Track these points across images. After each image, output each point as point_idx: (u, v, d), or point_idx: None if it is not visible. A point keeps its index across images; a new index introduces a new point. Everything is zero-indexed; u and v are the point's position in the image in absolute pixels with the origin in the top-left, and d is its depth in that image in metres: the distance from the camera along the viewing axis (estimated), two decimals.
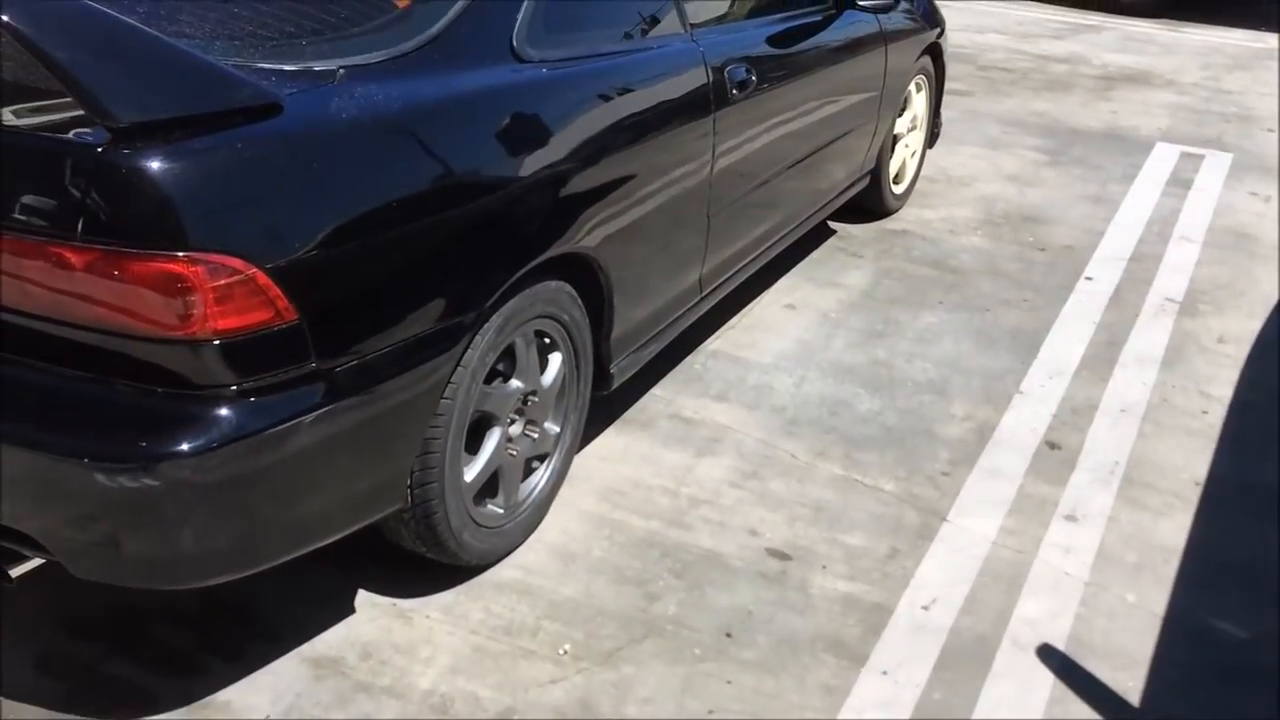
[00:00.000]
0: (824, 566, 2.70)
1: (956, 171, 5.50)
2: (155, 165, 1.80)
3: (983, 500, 2.98)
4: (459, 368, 2.29)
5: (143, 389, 1.91)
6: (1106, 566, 2.75)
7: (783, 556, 2.72)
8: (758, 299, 4.03)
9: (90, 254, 1.83)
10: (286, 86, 2.05)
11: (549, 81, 2.53)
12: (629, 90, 2.76)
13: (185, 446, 1.87)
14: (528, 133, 2.43)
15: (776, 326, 3.86)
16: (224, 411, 1.90)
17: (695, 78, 2.97)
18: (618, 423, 3.23)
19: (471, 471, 2.46)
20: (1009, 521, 2.90)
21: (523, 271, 2.39)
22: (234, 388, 1.91)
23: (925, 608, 2.58)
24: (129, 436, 1.89)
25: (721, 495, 2.94)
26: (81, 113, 1.82)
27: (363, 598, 2.51)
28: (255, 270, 1.87)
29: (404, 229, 2.11)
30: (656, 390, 3.41)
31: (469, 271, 2.27)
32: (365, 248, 2.05)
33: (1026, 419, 3.38)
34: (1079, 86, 7.23)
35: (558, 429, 2.75)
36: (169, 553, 1.97)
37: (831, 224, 4.67)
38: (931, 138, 5.09)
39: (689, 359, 3.59)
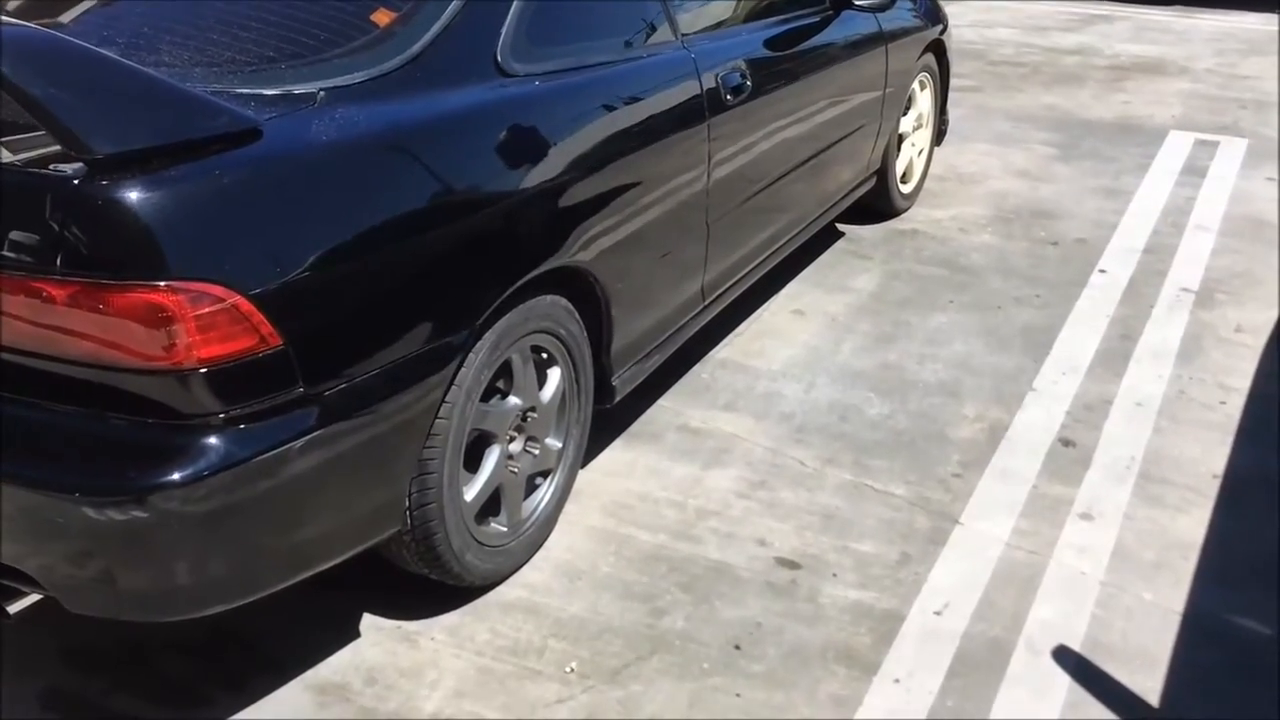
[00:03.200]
0: (834, 575, 2.66)
1: (966, 169, 5.45)
2: (132, 195, 1.79)
3: (995, 502, 2.94)
4: (453, 387, 2.27)
5: (131, 421, 1.89)
6: (1123, 565, 2.69)
7: (792, 566, 2.69)
8: (765, 305, 4.00)
9: (71, 287, 1.82)
10: (265, 111, 2.04)
11: (535, 96, 2.51)
12: (619, 101, 2.74)
13: (175, 477, 1.85)
14: (515, 149, 2.41)
15: (785, 333, 3.82)
16: (213, 440, 1.88)
17: (688, 86, 2.95)
18: (624, 436, 3.20)
19: (472, 491, 2.44)
20: (1022, 523, 2.85)
21: (514, 288, 2.37)
22: (222, 416, 1.89)
23: (938, 613, 2.54)
24: (117, 469, 1.88)
25: (729, 506, 2.91)
26: (58, 147, 1.82)
27: (367, 621, 2.49)
28: (238, 297, 1.86)
29: (389, 250, 2.10)
30: (664, 401, 3.38)
31: (458, 290, 2.25)
32: (350, 271, 2.04)
33: (1039, 418, 3.33)
34: (1091, 78, 7.16)
35: (559, 444, 2.72)
36: (163, 585, 1.95)
37: (840, 226, 4.63)
38: (938, 135, 5.05)
39: (696, 369, 3.56)
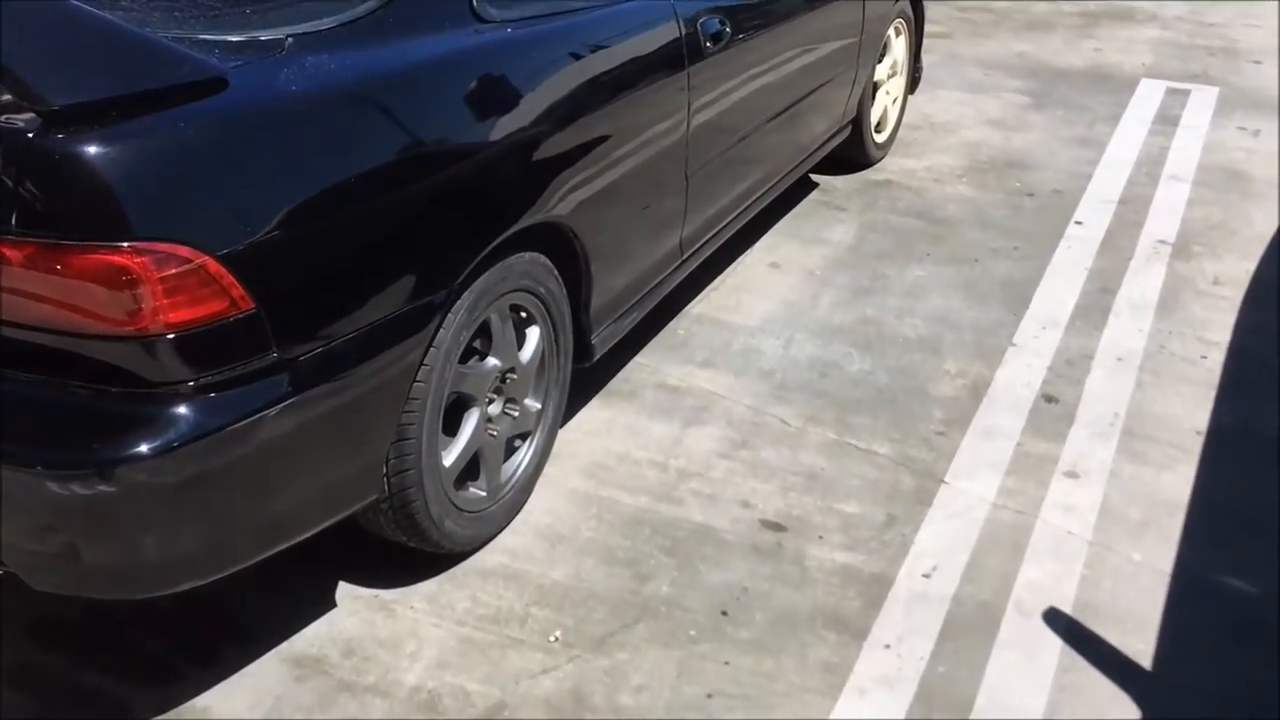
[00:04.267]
0: (820, 537, 2.61)
1: (939, 118, 5.38)
2: (91, 150, 1.68)
3: (980, 460, 2.90)
4: (431, 349, 2.18)
5: (96, 390, 1.80)
6: (1110, 525, 2.67)
7: (777, 528, 2.64)
8: (740, 259, 3.92)
9: (28, 248, 1.71)
10: (231, 59, 1.92)
11: (512, 43, 2.40)
12: (598, 48, 2.63)
13: (143, 449, 1.76)
14: (492, 99, 2.31)
15: (761, 287, 3.75)
16: (181, 410, 1.79)
17: (667, 32, 2.84)
18: (601, 394, 3.13)
19: (450, 455, 2.36)
20: (1008, 481, 2.82)
21: (493, 245, 2.28)
22: (191, 384, 1.80)
23: (926, 576, 2.50)
24: (82, 441, 1.78)
25: (711, 467, 2.85)
26: (10, 98, 1.70)
27: (343, 590, 2.41)
28: (205, 258, 1.75)
29: (364, 207, 1.99)
30: (640, 359, 3.30)
31: (436, 248, 2.15)
32: (323, 229, 1.93)
33: (1021, 373, 3.29)
34: (1061, 25, 7.09)
35: (539, 405, 2.64)
36: (131, 561, 1.86)
37: (813, 177, 4.55)
38: (913, 83, 4.96)
39: (672, 324, 3.49)
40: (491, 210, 2.29)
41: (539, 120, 2.38)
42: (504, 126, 2.29)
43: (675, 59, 2.86)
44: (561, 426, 2.86)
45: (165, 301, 1.73)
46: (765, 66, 3.37)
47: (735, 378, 3.23)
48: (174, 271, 1.73)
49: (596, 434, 2.95)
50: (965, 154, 4.96)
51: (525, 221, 2.35)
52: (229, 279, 1.78)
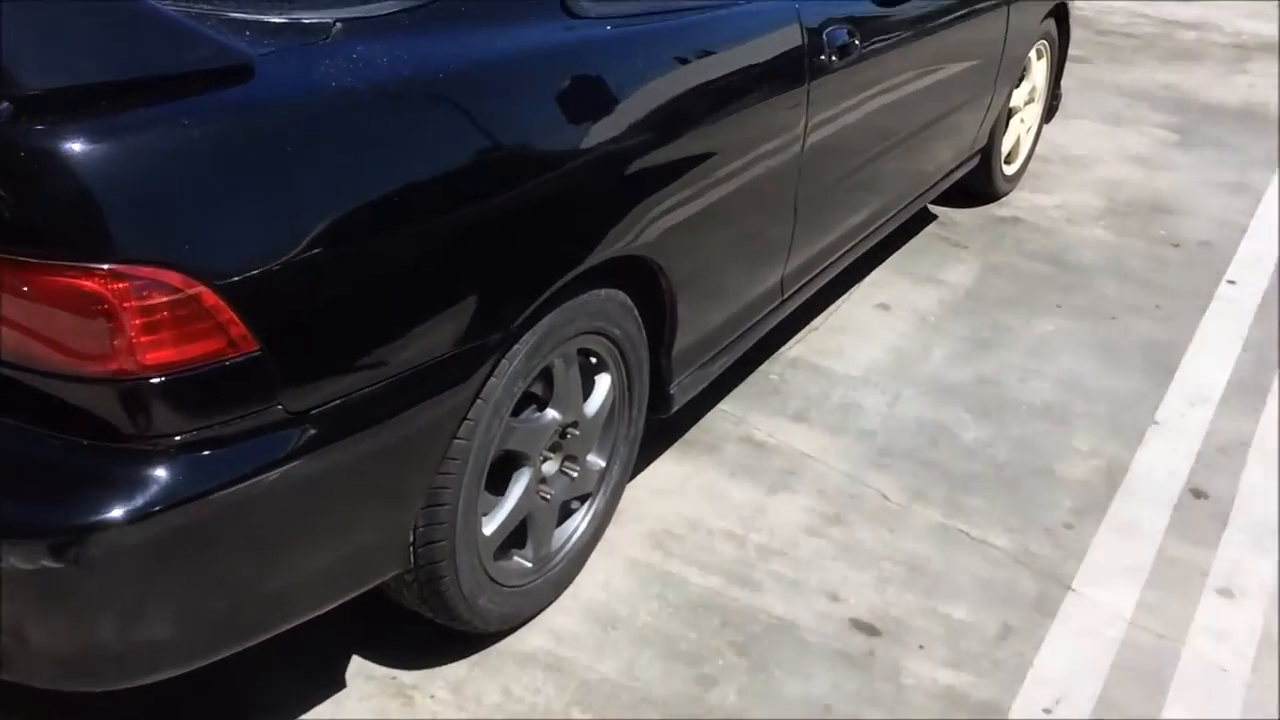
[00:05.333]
0: (920, 647, 2.22)
1: (1074, 150, 4.90)
2: (69, 146, 1.35)
3: (1115, 564, 2.47)
4: (478, 401, 1.83)
5: (63, 441, 1.47)
6: (1272, 660, 2.23)
7: (870, 631, 2.24)
8: (846, 296, 3.52)
9: None
10: (262, 44, 1.58)
11: (609, 42, 2.05)
12: (707, 53, 2.26)
13: (114, 514, 1.44)
14: (577, 106, 1.94)
15: (867, 330, 3.35)
16: (159, 470, 1.46)
17: (788, 39, 2.45)
18: (677, 445, 2.76)
19: (493, 522, 2.01)
20: (1149, 594, 2.39)
21: (564, 280, 1.92)
22: (176, 439, 1.47)
23: (1047, 711, 2.09)
24: (43, 501, 1.46)
25: (797, 545, 2.46)
26: None
27: (355, 667, 2.07)
28: (200, 287, 1.42)
29: (405, 231, 1.64)
30: (724, 406, 2.92)
31: (494, 283, 1.79)
32: (353, 256, 1.59)
33: (1165, 458, 2.84)
34: (1210, 56, 6.52)
35: (603, 464, 2.28)
36: (94, 647, 1.54)
37: (933, 208, 4.12)
38: (1049, 112, 4.50)
39: (764, 367, 3.10)
40: (566, 240, 1.93)
41: (629, 134, 2.01)
42: (588, 141, 1.93)
43: (795, 72, 2.47)
44: (629, 481, 2.50)
45: (146, 338, 1.40)
46: (894, 86, 2.96)
47: (831, 436, 2.84)
48: (159, 301, 1.40)
49: (667, 493, 2.58)
50: (1103, 193, 4.48)
51: (604, 254, 1.99)
52: (228, 314, 1.45)
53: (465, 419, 1.82)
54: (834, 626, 2.25)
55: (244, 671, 2.01)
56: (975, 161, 3.94)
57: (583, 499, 2.28)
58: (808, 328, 3.32)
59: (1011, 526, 2.56)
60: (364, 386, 1.62)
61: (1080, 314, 3.53)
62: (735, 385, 2.99)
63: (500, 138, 1.81)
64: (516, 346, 1.88)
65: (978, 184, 4.15)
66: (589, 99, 1.97)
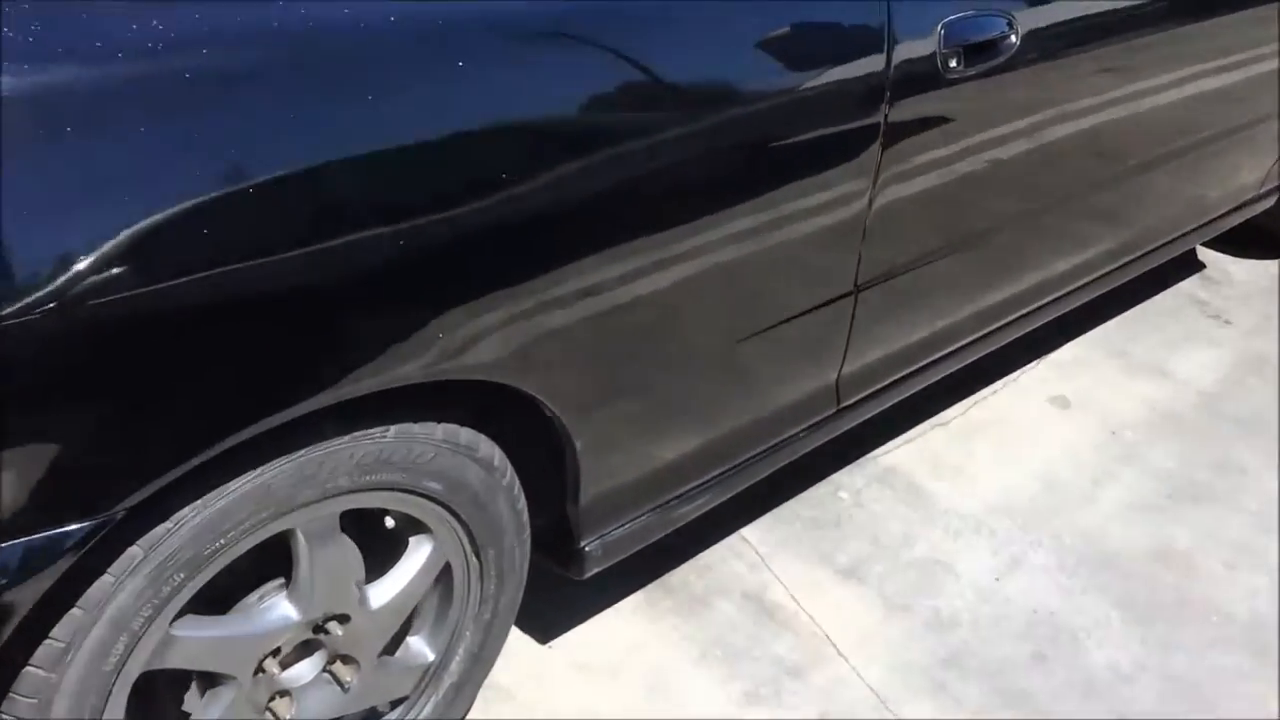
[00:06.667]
0: None
1: None
2: None
3: None
4: (72, 611, 1.12)
5: None
6: None
7: None
8: (1013, 376, 2.51)
9: None
10: None
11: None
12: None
13: None
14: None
15: (1020, 437, 2.35)
16: None
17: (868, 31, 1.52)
18: (651, 586, 1.94)
19: None
20: None
21: (275, 420, 1.15)
22: None
23: None
24: None
25: None
26: None
27: None
28: None
29: None
30: (748, 532, 2.06)
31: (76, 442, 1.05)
32: None
33: None
34: None
35: (432, 657, 1.52)
36: None
37: (1202, 252, 2.97)
38: None
39: (836, 478, 2.20)
40: (282, 362, 1.15)
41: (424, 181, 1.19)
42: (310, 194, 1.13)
43: (875, 92, 1.53)
44: (547, 642, 1.73)
45: None
46: (1083, 104, 1.92)
47: (885, 614, 1.93)
48: None
49: (593, 672, 1.78)
50: None
51: (368, 382, 1.20)
52: None
53: (48, 639, 1.12)
54: None
55: None
56: (1269, 203, 2.76)
57: (399, 703, 1.54)
58: (933, 420, 2.37)
59: None
60: None
61: None
62: (779, 500, 2.12)
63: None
64: (149, 537, 1.14)
65: (1275, 226, 2.95)
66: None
